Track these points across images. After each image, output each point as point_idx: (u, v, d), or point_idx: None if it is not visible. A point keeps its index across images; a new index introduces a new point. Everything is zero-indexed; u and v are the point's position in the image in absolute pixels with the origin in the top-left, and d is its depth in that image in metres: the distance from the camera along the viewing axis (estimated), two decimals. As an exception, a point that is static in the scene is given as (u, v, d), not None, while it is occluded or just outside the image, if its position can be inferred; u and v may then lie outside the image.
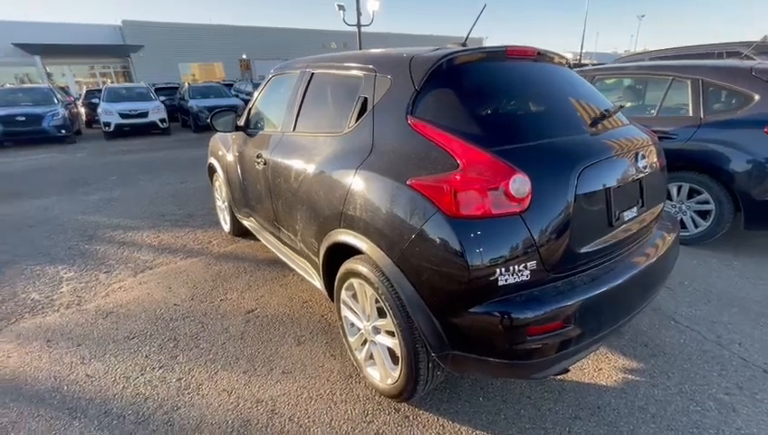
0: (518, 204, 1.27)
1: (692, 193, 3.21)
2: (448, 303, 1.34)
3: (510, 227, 1.27)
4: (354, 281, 1.74)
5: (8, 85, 12.71)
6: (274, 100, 2.65)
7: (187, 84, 14.39)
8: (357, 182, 1.61)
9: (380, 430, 1.65)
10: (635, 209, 1.63)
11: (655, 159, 1.81)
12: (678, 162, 3.19)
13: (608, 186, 1.47)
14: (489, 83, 1.61)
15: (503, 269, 1.26)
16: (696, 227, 3.22)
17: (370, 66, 1.79)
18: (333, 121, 1.94)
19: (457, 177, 1.30)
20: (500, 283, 1.27)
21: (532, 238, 1.28)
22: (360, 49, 13.39)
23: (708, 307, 2.44)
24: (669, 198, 3.30)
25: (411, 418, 1.71)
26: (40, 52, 20.64)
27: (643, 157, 1.61)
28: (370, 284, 1.58)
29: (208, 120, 2.86)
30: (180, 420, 1.72)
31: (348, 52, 2.18)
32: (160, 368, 2.06)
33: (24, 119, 9.68)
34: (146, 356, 2.15)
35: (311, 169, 1.97)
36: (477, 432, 1.63)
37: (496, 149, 1.35)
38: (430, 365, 1.52)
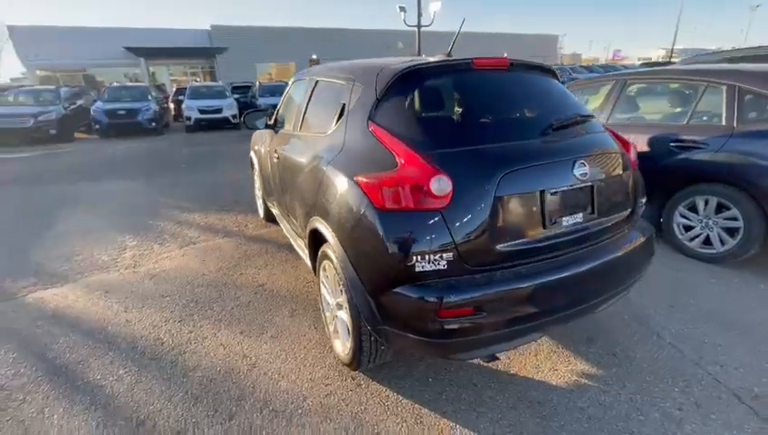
0: (439, 201, 1.45)
1: (720, 208, 2.98)
2: (377, 283, 1.55)
3: (430, 222, 1.45)
4: (326, 263, 2.01)
5: (115, 84, 14.94)
6: (292, 102, 3.01)
7: (258, 83, 15.71)
8: (325, 176, 1.88)
9: (334, 391, 1.91)
10: (580, 215, 1.69)
11: (616, 169, 1.83)
12: (706, 174, 2.99)
13: (541, 190, 1.57)
14: (441, 94, 1.78)
15: (419, 257, 1.45)
16: (723, 244, 2.99)
17: (351, 76, 2.04)
18: (323, 123, 2.23)
19: (390, 175, 1.51)
20: (417, 269, 1.45)
21: (450, 233, 1.45)
22: (419, 49, 13.44)
23: (705, 327, 2.32)
24: (696, 211, 3.10)
25: (363, 386, 1.94)
26: (144, 54, 23.82)
27: (583, 165, 1.65)
28: (333, 265, 1.84)
29: (242, 119, 3.31)
30: (183, 362, 2.14)
31: (343, 62, 2.45)
32: (179, 322, 2.52)
33: (124, 112, 11.38)
34: (171, 311, 2.64)
35: (304, 163, 2.27)
36: (416, 406, 1.82)
37: (433, 153, 1.53)
38: (372, 339, 1.74)
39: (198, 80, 27.03)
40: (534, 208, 1.58)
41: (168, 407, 1.84)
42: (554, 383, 1.93)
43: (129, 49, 22.53)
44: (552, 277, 1.57)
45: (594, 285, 1.74)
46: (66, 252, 3.65)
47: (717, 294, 2.66)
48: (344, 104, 2.01)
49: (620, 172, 1.85)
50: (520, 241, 1.57)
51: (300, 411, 1.80)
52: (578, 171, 1.62)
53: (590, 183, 1.69)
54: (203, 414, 1.79)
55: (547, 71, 2.12)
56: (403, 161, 1.54)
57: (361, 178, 1.58)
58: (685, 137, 3.10)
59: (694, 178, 3.08)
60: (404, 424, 1.73)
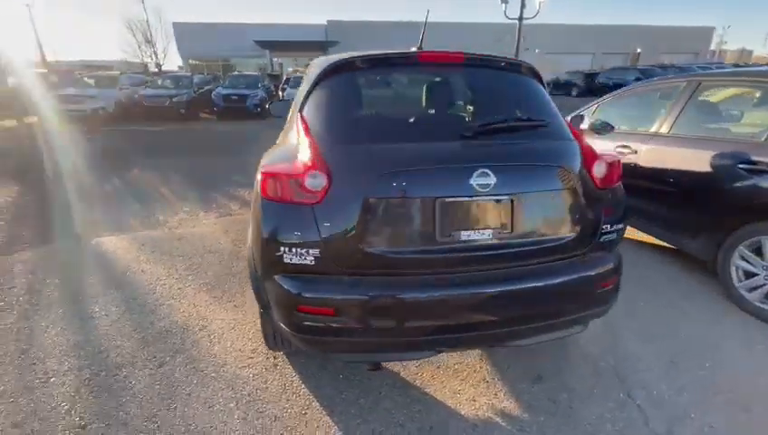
0: (312, 196, 1.43)
1: (796, 255, 2.26)
2: (262, 268, 1.60)
3: (301, 216, 1.45)
4: None
5: (236, 72, 17.23)
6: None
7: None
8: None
9: (251, 365, 2.04)
10: (489, 232, 1.48)
11: (557, 185, 1.54)
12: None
13: (434, 197, 1.42)
14: (365, 88, 1.72)
15: (288, 250, 1.46)
16: (793, 303, 2.27)
17: (308, 68, 2.09)
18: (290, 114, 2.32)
19: (282, 165, 1.54)
20: (286, 260, 1.47)
21: (318, 230, 1.43)
22: (518, 44, 12.56)
23: (705, 400, 1.82)
24: (761, 254, 2.39)
25: (278, 368, 2.03)
26: (268, 47, 26.99)
27: (485, 174, 1.42)
28: None
29: (267, 106, 3.59)
30: (158, 311, 2.50)
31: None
32: (176, 279, 2.92)
33: (236, 97, 13.07)
34: (176, 269, 3.06)
35: None
36: (311, 398, 1.84)
37: (328, 148, 1.52)
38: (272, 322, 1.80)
39: (312, 71, 29.52)
40: (422, 216, 1.44)
41: (125, 345, 2.18)
42: (463, 413, 1.75)
43: (257, 42, 25.70)
44: (438, 294, 1.43)
45: (505, 314, 1.52)
46: (138, 210, 4.45)
47: (753, 365, 2.05)
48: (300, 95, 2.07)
49: (564, 188, 1.55)
50: (399, 249, 1.46)
51: (214, 375, 1.97)
52: (477, 181, 1.42)
53: (503, 196, 1.47)
54: (143, 357, 2.09)
55: (520, 69, 1.87)
56: (299, 154, 1.55)
57: (261, 166, 1.64)
58: (759, 157, 2.40)
59: (764, 210, 2.38)
60: (291, 410, 1.77)
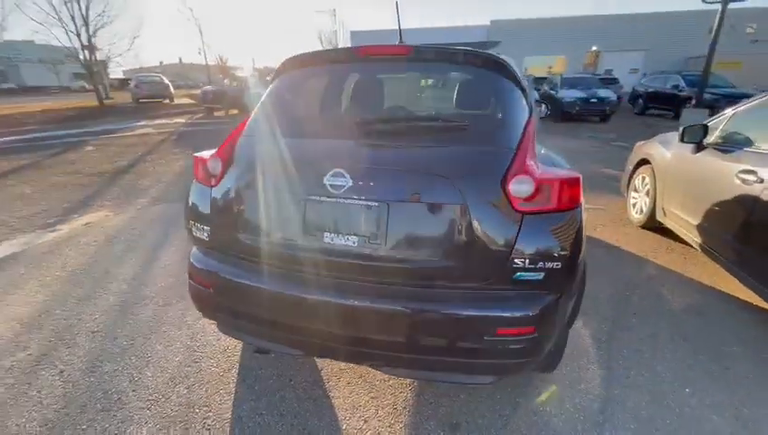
0: (212, 180, 1.59)
1: None
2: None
3: (204, 195, 1.62)
4: None
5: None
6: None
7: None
8: None
9: (204, 328, 2.32)
10: (354, 238, 1.34)
11: (444, 199, 1.27)
12: None
13: (296, 193, 1.41)
14: (300, 84, 1.75)
15: (193, 223, 1.65)
16: None
17: None
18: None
19: (207, 152, 1.74)
20: (194, 233, 1.67)
21: (210, 209, 1.58)
22: (717, 33, 9.84)
23: None
24: None
25: (222, 338, 2.24)
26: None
27: (340, 175, 1.25)
28: None
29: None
30: (173, 269, 3.07)
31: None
32: (227, 244, 3.50)
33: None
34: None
35: None
36: (239, 363, 2.01)
37: (244, 137, 1.65)
38: None
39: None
40: (289, 212, 1.43)
41: (159, 284, 2.79)
42: (344, 429, 1.64)
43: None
44: (298, 293, 1.41)
45: (368, 333, 1.37)
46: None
47: None
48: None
49: (453, 204, 1.27)
50: (266, 241, 1.47)
51: (190, 323, 2.34)
52: (331, 181, 1.31)
53: (371, 202, 1.31)
54: (161, 295, 2.63)
55: (478, 62, 1.59)
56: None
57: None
58: None
59: None
60: (215, 369, 1.97)
